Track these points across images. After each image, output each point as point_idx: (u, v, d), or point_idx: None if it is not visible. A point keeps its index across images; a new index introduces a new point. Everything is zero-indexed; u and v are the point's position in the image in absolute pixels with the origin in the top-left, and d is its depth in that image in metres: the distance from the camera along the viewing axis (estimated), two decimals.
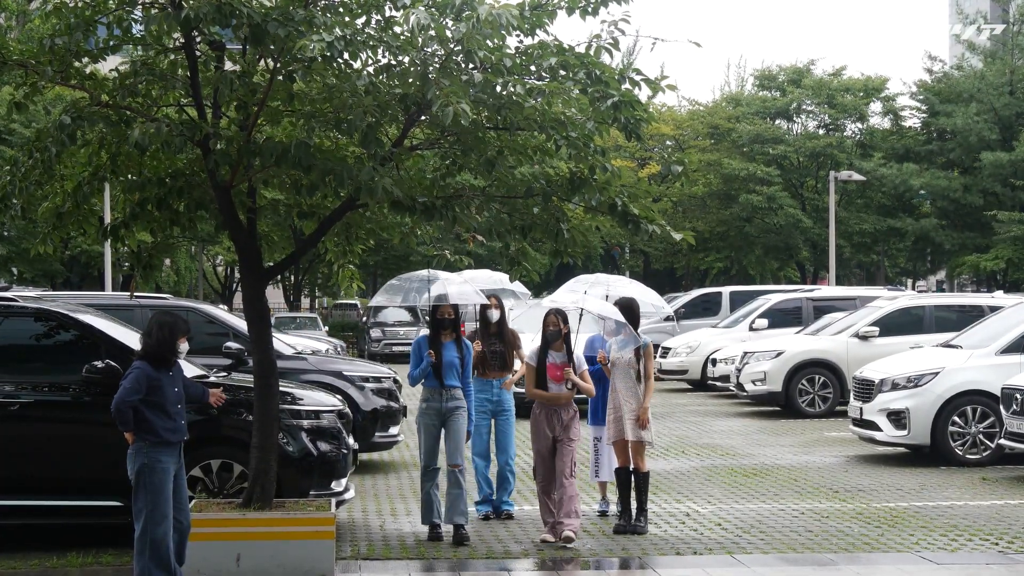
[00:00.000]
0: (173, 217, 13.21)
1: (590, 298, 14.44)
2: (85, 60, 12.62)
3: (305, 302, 73.72)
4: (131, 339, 13.31)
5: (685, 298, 40.55)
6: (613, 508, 14.63)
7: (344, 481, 13.47)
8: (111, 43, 12.46)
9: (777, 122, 63.85)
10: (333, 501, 12.61)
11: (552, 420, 13.48)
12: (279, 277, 50.13)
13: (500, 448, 14.97)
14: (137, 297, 20.63)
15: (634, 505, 13.88)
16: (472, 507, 14.58)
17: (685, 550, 12.98)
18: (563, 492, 13.16)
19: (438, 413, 13.61)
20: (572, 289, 15.41)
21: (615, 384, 13.97)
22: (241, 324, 17.74)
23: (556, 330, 13.55)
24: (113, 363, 12.59)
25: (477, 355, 14.51)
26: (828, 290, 38.50)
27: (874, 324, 26.35)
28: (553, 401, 13.50)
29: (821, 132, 63.12)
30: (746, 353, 28.12)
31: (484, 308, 14.97)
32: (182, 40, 12.34)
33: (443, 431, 13.68)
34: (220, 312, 21.15)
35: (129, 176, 13.24)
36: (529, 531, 13.80)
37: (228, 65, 12.62)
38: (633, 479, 13.93)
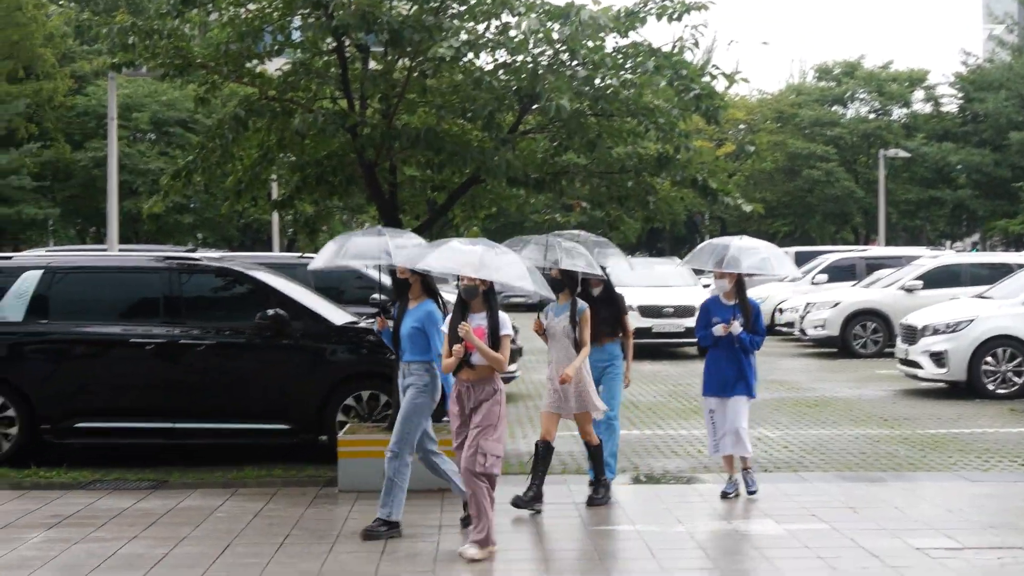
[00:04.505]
0: (330, 190, 13.35)
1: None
2: (254, 62, 12.78)
3: None
4: (295, 292, 13.44)
5: None
6: (741, 488, 11.41)
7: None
8: (275, 47, 12.59)
9: (834, 108, 62.85)
10: None
11: (462, 399, 9.41)
12: None
13: (604, 400, 11.39)
14: (303, 257, 20.87)
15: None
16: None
17: (757, 468, 12.86)
18: (468, 491, 9.30)
19: (403, 391, 10.04)
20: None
21: (551, 355, 11.00)
22: (385, 279, 17.84)
23: (472, 286, 9.18)
24: (281, 311, 12.71)
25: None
26: (878, 250, 37.99)
27: (918, 279, 26.02)
28: (466, 375, 9.32)
29: (871, 116, 62.10)
30: (808, 303, 27.94)
31: (588, 284, 11.45)
32: (334, 44, 12.41)
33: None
34: (367, 269, 21.21)
35: (292, 157, 13.38)
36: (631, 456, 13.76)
37: (372, 64, 12.69)
38: (586, 451, 11.20)
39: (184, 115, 44.00)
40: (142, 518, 10.46)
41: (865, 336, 26.31)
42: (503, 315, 9.31)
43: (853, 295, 27.41)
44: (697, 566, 8.99)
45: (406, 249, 10.36)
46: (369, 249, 10.72)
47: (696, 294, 25.88)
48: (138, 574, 8.66)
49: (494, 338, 9.21)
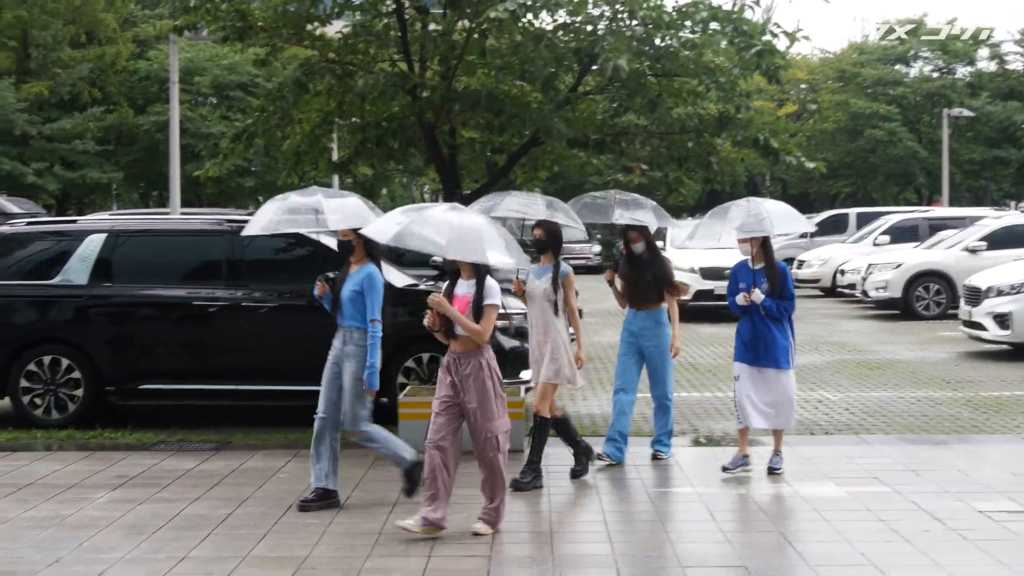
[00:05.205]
0: (389, 153, 13.37)
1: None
2: (315, 24, 12.77)
3: None
4: None
5: (818, 218, 39.76)
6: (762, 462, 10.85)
7: (531, 372, 13.48)
8: (335, 9, 12.59)
9: (896, 66, 62.14)
10: (522, 388, 12.66)
11: (450, 369, 8.80)
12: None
13: (655, 380, 11.25)
14: None
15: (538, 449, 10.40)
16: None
17: (818, 431, 12.82)
18: (484, 474, 8.79)
19: (336, 358, 9.76)
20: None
21: (532, 319, 10.46)
22: None
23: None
24: None
25: (623, 289, 11.17)
26: (941, 211, 37.60)
27: (982, 239, 25.72)
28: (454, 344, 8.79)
29: (935, 75, 61.34)
30: (870, 264, 27.69)
31: (628, 241, 11.08)
32: (393, 6, 12.39)
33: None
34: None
35: (352, 120, 13.40)
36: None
37: (432, 26, 12.66)
38: (533, 423, 10.49)
39: (245, 79, 44.25)
40: (205, 479, 10.58)
41: (928, 298, 26.07)
42: (491, 283, 8.70)
43: (916, 256, 27.15)
44: (757, 528, 8.96)
45: (342, 213, 9.60)
46: (303, 213, 9.66)
47: None
48: (202, 534, 8.75)
49: (479, 308, 8.66)
